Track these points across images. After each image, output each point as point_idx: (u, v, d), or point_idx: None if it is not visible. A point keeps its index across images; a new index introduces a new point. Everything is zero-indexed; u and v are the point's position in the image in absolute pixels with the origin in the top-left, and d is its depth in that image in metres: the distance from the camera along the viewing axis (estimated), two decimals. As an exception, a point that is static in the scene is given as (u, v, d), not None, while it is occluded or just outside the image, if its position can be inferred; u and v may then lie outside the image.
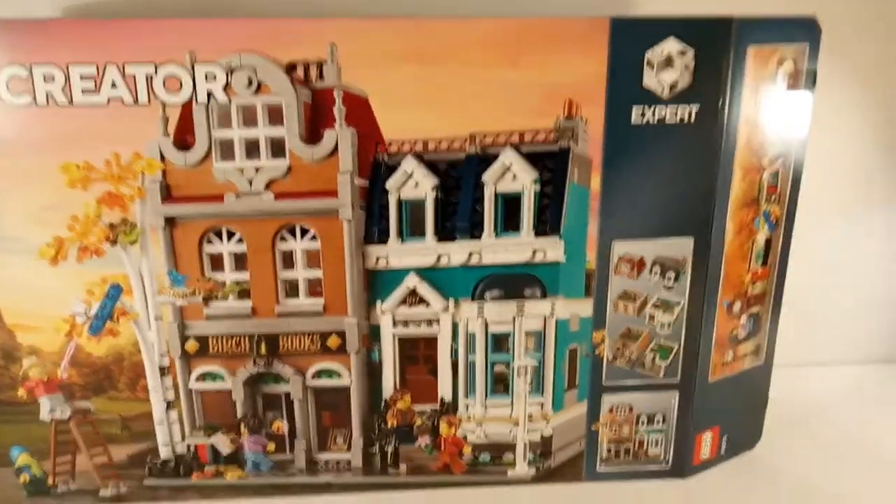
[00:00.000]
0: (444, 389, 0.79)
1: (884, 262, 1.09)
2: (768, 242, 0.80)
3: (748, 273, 0.79)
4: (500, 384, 0.79)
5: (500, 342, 0.78)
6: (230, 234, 0.73)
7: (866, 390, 1.05)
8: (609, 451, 0.83)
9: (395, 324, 0.77)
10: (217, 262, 0.74)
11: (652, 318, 0.77)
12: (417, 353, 0.78)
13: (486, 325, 0.77)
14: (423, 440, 0.81)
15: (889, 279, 1.10)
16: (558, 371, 0.79)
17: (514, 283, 0.75)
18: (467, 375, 0.79)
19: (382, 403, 0.79)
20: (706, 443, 0.85)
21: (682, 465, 0.83)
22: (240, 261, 0.74)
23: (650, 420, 0.82)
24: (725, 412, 0.84)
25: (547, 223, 0.73)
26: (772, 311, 0.83)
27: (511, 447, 0.81)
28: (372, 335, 0.77)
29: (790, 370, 1.04)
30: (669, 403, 0.81)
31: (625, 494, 0.81)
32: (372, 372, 0.78)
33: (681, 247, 0.75)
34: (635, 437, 0.83)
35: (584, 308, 0.77)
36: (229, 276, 0.74)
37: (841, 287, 1.10)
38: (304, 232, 0.74)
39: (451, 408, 0.80)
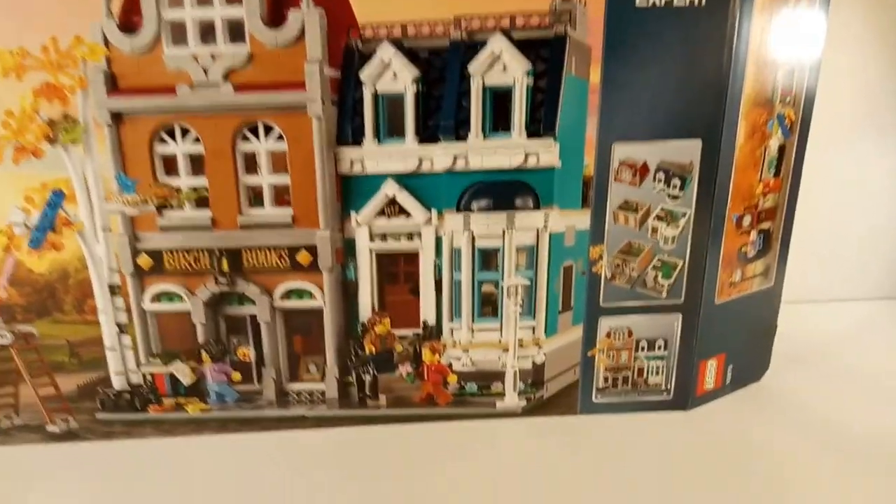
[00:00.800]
0: (427, 312, 0.72)
1: None
2: (782, 150, 0.73)
3: (759, 184, 0.72)
4: (487, 306, 0.73)
5: (488, 259, 0.71)
6: (185, 133, 0.65)
7: (879, 326, 1.00)
8: (606, 380, 0.76)
9: (372, 237, 0.69)
10: (171, 165, 0.66)
11: (655, 231, 0.70)
12: (397, 271, 0.71)
13: (473, 240, 0.70)
14: (405, 368, 0.74)
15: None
16: (552, 291, 0.72)
17: (504, 191, 0.68)
18: (452, 296, 0.72)
19: (359, 327, 0.72)
20: (710, 372, 0.78)
21: (685, 396, 0.77)
22: (196, 164, 0.66)
23: (651, 346, 0.75)
24: (732, 338, 0.78)
25: (541, 122, 0.66)
26: (783, 229, 0.77)
27: (500, 376, 0.74)
28: (347, 250, 0.70)
29: (801, 307, 0.99)
30: (672, 327, 0.74)
31: (622, 428, 0.75)
32: (347, 292, 0.71)
33: (688, 150, 0.67)
34: (634, 365, 0.76)
35: (581, 220, 0.69)
36: (185, 181, 0.66)
37: (853, 217, 1.04)
38: (268, 130, 0.66)
39: (434, 332, 0.73)
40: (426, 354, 0.73)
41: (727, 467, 0.67)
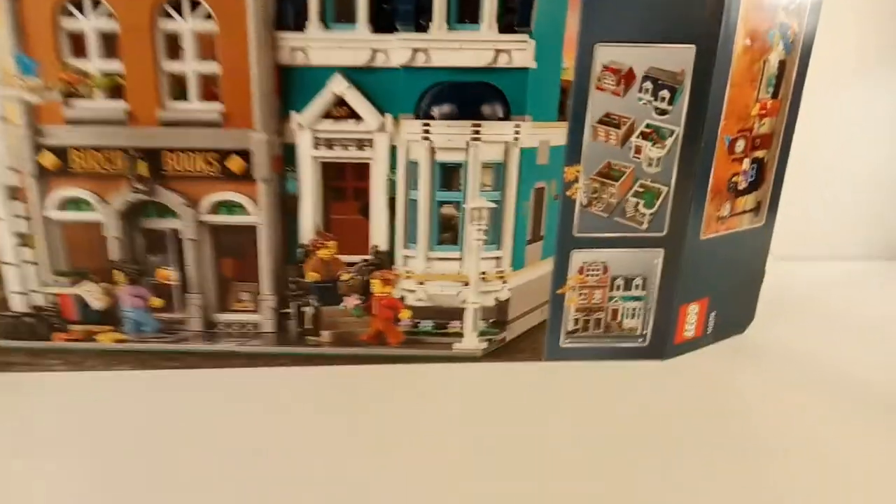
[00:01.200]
0: (378, 235, 0.63)
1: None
2: (782, 68, 0.65)
3: (756, 104, 0.65)
4: (447, 232, 0.64)
5: (449, 176, 0.62)
6: (96, 4, 0.55)
7: (869, 284, 0.93)
8: (576, 322, 0.69)
9: (316, 144, 0.60)
10: (79, 44, 0.56)
11: (638, 150, 0.62)
12: (345, 186, 0.62)
13: (433, 152, 0.61)
14: (351, 301, 0.65)
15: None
16: (520, 217, 0.64)
17: (470, 95, 0.59)
18: (407, 218, 0.63)
19: (300, 251, 0.63)
20: (691, 318, 0.71)
21: (662, 344, 0.70)
22: (110, 43, 0.56)
23: (627, 284, 0.68)
24: (716, 281, 0.71)
25: (515, 13, 0.57)
26: (778, 160, 0.69)
27: (459, 314, 0.66)
28: (286, 158, 0.61)
29: (792, 264, 0.92)
30: (652, 264, 0.67)
31: (592, 377, 0.67)
32: (286, 208, 0.62)
33: (680, 57, 0.59)
34: (608, 306, 0.68)
35: (557, 135, 0.61)
36: (96, 64, 0.57)
37: (848, 169, 0.98)
38: (194, 6, 0.56)
39: (386, 260, 0.64)
40: (376, 286, 0.65)
41: (706, 423, 0.59)
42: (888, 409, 0.62)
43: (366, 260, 0.64)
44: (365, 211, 0.62)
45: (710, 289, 0.71)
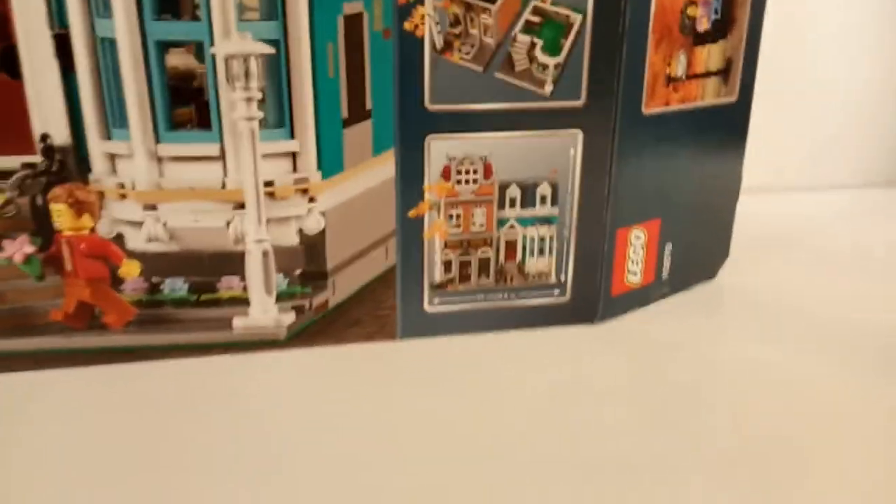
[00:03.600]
0: (49, 115, 0.34)
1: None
2: None
3: None
4: (186, 104, 0.35)
5: (174, -10, 0.33)
6: None
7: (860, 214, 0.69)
8: (448, 267, 0.41)
9: None
10: None
11: (526, -58, 0.35)
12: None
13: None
14: (16, 247, 0.35)
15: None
16: (323, 74, 0.35)
17: None
18: (101, 78, 0.34)
19: None
20: (635, 252, 0.44)
21: (592, 299, 0.43)
22: None
23: (527, 196, 0.40)
24: (671, 192, 0.44)
25: None
26: (753, -8, 0.44)
27: (235, 263, 0.37)
28: None
29: (760, 196, 0.66)
30: (565, 157, 0.40)
31: (481, 361, 0.39)
32: None
33: None
34: (499, 236, 0.41)
35: None
36: None
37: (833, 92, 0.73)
38: None
39: (72, 164, 0.35)
40: (62, 215, 0.35)
41: (661, 435, 0.32)
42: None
43: (29, 165, 0.34)
44: (9, 64, 0.32)
45: (663, 204, 0.44)
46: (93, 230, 0.36)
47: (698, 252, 0.48)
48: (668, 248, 0.45)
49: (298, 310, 0.39)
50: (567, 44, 0.37)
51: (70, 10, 0.32)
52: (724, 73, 0.44)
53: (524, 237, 0.41)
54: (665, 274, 0.46)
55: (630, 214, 0.43)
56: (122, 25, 0.32)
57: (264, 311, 0.38)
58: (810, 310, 0.46)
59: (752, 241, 0.54)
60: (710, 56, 0.43)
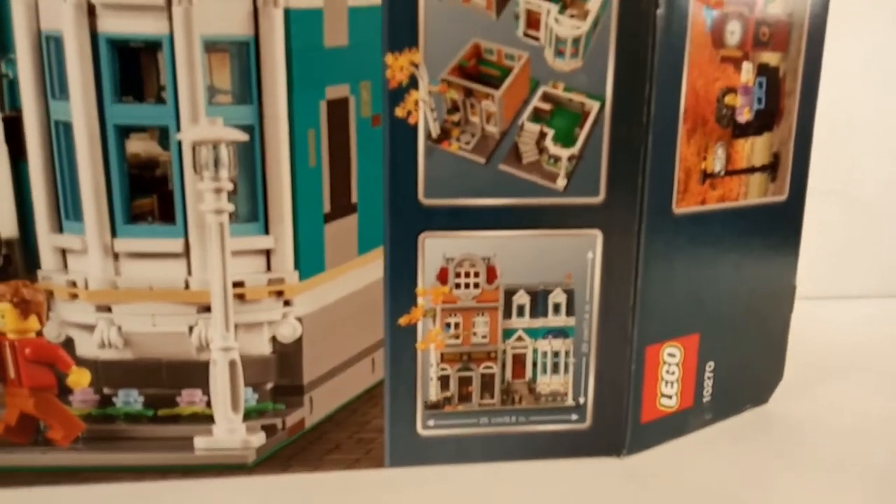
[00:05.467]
0: (-2, 204, 0.31)
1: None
2: None
3: (757, -50, 0.35)
4: (148, 193, 0.31)
5: (134, 69, 0.30)
6: None
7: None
8: (445, 384, 0.35)
9: None
10: None
11: (534, 22, 0.31)
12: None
13: (92, 14, 0.29)
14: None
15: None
16: (303, 164, 0.32)
17: None
18: (55, 166, 0.31)
19: None
20: (670, 372, 0.38)
21: (618, 425, 0.36)
22: None
23: (537, 304, 0.35)
24: (711, 302, 0.38)
25: None
26: (804, 76, 0.38)
27: (197, 373, 0.33)
28: None
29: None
30: (582, 262, 0.34)
31: (478, 498, 0.33)
32: None
33: None
34: (505, 349, 0.35)
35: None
36: None
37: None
38: None
39: (18, 259, 0.31)
40: (6, 315, 0.31)
41: None
42: None
43: (-33, 257, 0.30)
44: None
45: (702, 317, 0.38)
46: (39, 333, 0.32)
47: (746, 372, 0.41)
48: (710, 367, 0.39)
49: (269, 430, 0.34)
50: (583, 134, 0.33)
51: (23, 90, 0.29)
52: (772, 168, 0.39)
53: (535, 351, 0.35)
54: (706, 398, 0.39)
55: (662, 328, 0.37)
56: (80, 108, 0.29)
57: (230, 431, 0.33)
58: (883, 451, 0.38)
59: (811, 357, 0.46)
60: (754, 150, 0.38)
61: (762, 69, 0.37)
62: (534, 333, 0.35)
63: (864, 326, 0.55)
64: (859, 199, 0.63)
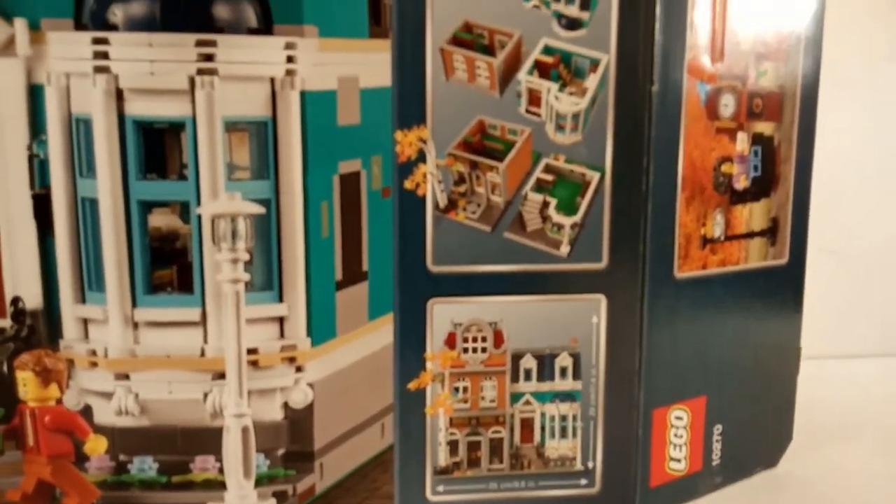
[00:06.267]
0: (22, 278, 0.32)
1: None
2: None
3: (746, 28, 0.37)
4: (168, 265, 0.33)
5: (159, 149, 0.31)
6: None
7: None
8: (454, 448, 0.35)
9: None
10: None
11: (536, 99, 0.32)
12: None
13: (120, 99, 0.31)
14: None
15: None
16: (316, 235, 0.33)
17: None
18: (80, 239, 0.32)
19: None
20: (678, 435, 0.38)
21: (626, 490, 0.36)
22: None
23: (544, 369, 0.35)
24: (718, 365, 0.38)
25: None
26: (799, 147, 0.40)
27: (210, 440, 0.33)
28: None
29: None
30: (587, 326, 0.35)
31: None
32: None
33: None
34: (514, 413, 0.36)
35: (372, 67, 0.32)
36: None
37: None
38: None
39: (42, 330, 0.32)
40: (28, 384, 0.32)
41: None
42: None
43: (-2, 329, 0.32)
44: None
45: (707, 380, 0.38)
46: (59, 401, 0.33)
47: (755, 435, 0.41)
48: (718, 430, 0.39)
49: (280, 496, 0.34)
50: (584, 202, 0.34)
51: (53, 169, 0.31)
52: (771, 233, 0.40)
53: (542, 415, 0.36)
54: (715, 461, 0.39)
55: (668, 391, 0.37)
56: (106, 185, 0.31)
57: (241, 498, 0.34)
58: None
59: (818, 417, 0.46)
60: (752, 215, 0.39)
61: (757, 138, 0.39)
62: (541, 397, 0.35)
63: (868, 385, 0.55)
64: (860, 258, 0.63)
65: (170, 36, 0.30)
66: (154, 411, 0.33)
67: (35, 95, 0.31)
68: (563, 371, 0.35)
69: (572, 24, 0.33)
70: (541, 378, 0.35)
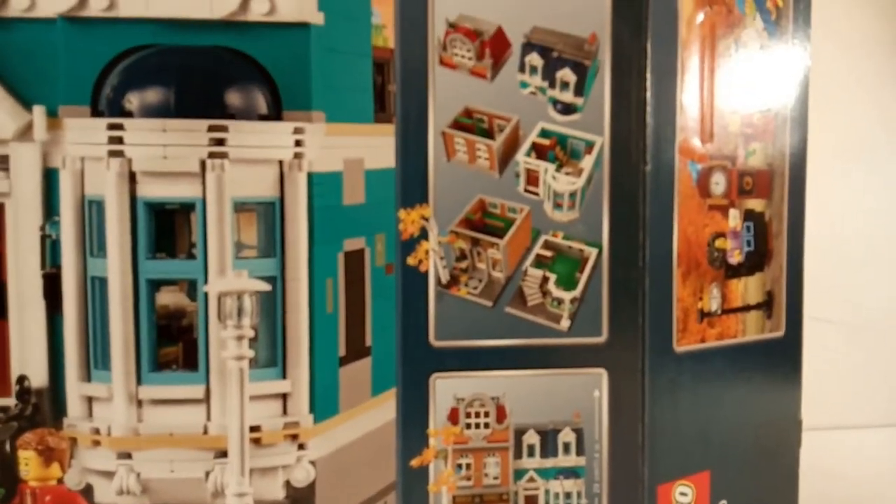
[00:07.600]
0: (29, 357, 0.32)
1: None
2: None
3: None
4: (174, 343, 0.33)
5: (169, 229, 0.32)
6: None
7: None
8: (457, 528, 0.35)
9: None
10: None
11: (534, 179, 0.34)
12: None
13: (133, 181, 0.32)
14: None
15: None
16: (321, 311, 0.33)
17: (201, 72, 0.32)
18: (88, 319, 0.32)
19: None
20: (682, 512, 0.38)
21: (633, 570, 0.36)
22: None
23: (547, 445, 0.35)
24: (720, 438, 0.38)
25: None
26: (790, 221, 0.41)
27: (211, 518, 0.33)
28: None
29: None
30: (589, 401, 0.35)
31: None
32: None
33: (587, 9, 0.34)
34: (517, 490, 0.35)
35: (377, 147, 0.33)
36: None
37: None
38: None
39: (47, 408, 0.32)
40: (30, 464, 0.32)
41: None
42: None
43: (1, 409, 0.32)
44: None
45: (711, 454, 0.38)
46: (60, 481, 0.32)
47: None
48: (723, 505, 0.39)
49: (281, 579, 0.34)
50: (583, 278, 0.35)
51: (64, 249, 0.32)
52: (767, 305, 0.41)
53: (547, 492, 0.35)
54: (721, 539, 0.39)
55: (672, 466, 0.37)
56: (116, 265, 0.31)
57: (242, 580, 0.33)
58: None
59: (822, 489, 0.46)
60: (748, 289, 0.40)
61: (748, 215, 0.40)
62: (545, 474, 0.35)
63: (876, 456, 0.55)
64: (861, 327, 0.64)
65: (183, 122, 0.32)
66: (156, 490, 0.33)
67: (50, 178, 0.32)
68: (567, 446, 0.35)
69: (567, 108, 0.35)
70: (544, 454, 0.35)
